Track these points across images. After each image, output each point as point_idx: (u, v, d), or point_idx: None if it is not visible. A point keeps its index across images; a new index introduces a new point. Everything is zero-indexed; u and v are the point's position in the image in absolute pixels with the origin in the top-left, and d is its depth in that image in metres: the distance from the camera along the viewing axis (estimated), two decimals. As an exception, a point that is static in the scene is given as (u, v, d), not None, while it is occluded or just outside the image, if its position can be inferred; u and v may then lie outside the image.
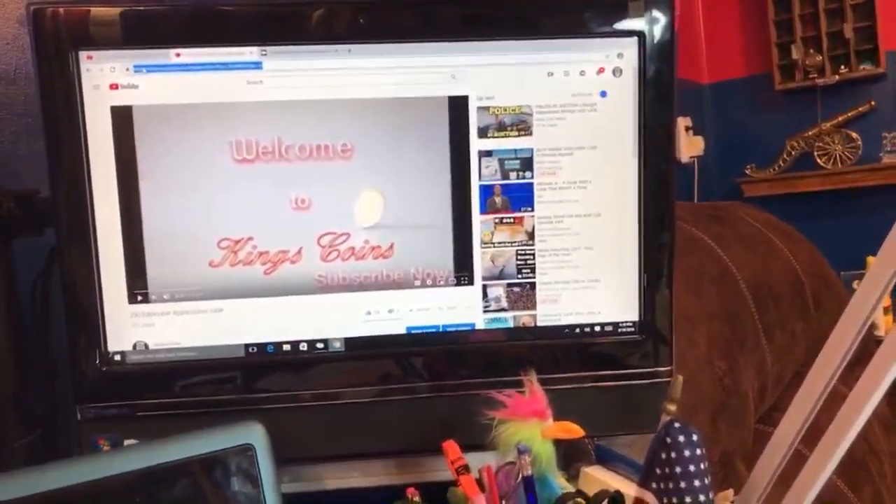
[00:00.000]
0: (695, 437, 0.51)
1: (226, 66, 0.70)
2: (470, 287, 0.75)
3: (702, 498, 0.50)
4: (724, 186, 3.13)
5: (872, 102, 2.81)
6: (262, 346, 0.73)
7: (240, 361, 0.73)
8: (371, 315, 0.74)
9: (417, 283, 0.74)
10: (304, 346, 0.74)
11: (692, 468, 0.50)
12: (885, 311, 2.17)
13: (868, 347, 0.52)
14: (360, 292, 0.74)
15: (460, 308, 0.75)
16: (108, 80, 0.69)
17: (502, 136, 0.74)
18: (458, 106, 0.73)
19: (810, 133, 2.92)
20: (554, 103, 0.74)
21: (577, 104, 0.74)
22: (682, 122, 2.97)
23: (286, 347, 0.74)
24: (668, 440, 0.51)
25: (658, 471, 0.52)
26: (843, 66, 2.82)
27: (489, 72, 0.73)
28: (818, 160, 2.91)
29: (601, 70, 0.74)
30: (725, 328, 1.14)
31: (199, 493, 0.62)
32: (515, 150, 0.74)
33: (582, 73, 0.74)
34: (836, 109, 2.87)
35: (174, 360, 0.72)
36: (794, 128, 2.97)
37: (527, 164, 0.74)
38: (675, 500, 0.51)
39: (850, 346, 0.52)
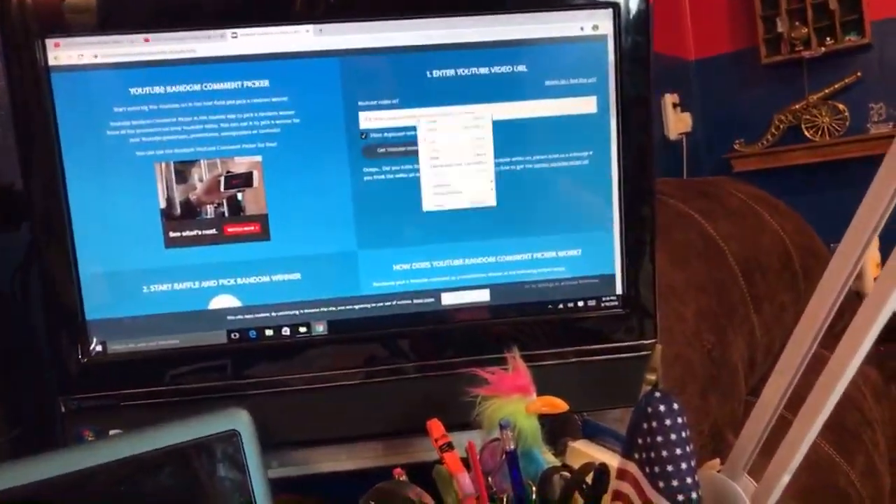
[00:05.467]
0: (675, 406, 0.51)
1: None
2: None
3: (684, 466, 0.50)
4: (713, 162, 3.13)
5: (858, 73, 2.81)
6: (244, 332, 0.73)
7: (222, 348, 0.73)
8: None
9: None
10: (286, 331, 0.73)
11: (674, 437, 0.50)
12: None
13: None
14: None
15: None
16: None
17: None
18: (433, 83, 0.73)
19: (797, 106, 2.92)
20: (530, 77, 0.73)
21: (553, 77, 0.74)
22: (670, 99, 2.96)
23: (269, 332, 0.73)
24: (650, 410, 0.51)
25: (640, 441, 0.52)
26: (828, 38, 2.81)
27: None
28: (806, 133, 2.91)
29: (577, 42, 0.74)
30: (713, 302, 1.14)
31: (185, 480, 0.62)
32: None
33: (557, 46, 0.73)
34: (822, 82, 2.87)
35: (156, 349, 0.72)
36: (781, 101, 2.96)
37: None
38: (657, 469, 0.50)
39: (829, 310, 0.52)
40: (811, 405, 0.53)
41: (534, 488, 0.61)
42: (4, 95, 0.68)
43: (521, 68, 0.73)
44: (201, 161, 0.71)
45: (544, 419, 0.65)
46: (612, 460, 0.59)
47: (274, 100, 0.70)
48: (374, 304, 0.74)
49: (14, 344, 0.86)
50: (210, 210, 0.71)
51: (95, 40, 0.68)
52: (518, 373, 0.66)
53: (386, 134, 0.72)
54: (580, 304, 0.77)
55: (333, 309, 0.74)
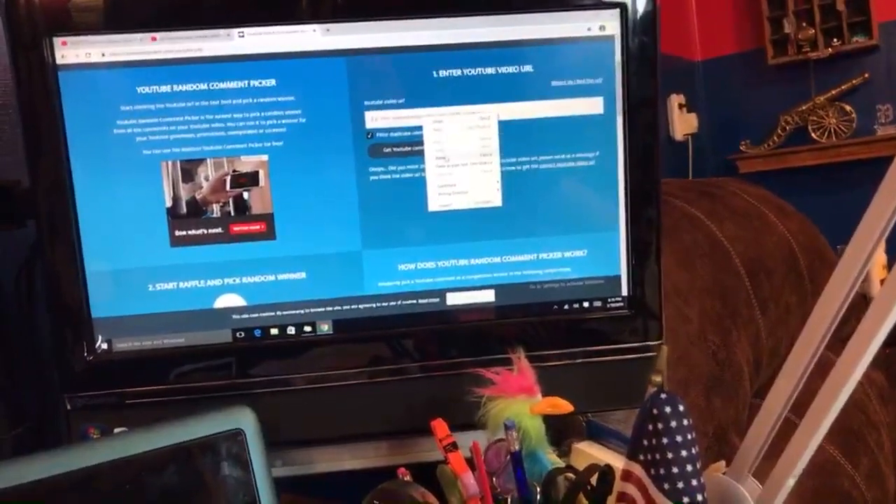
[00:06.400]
0: (681, 408, 0.50)
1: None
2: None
3: (689, 468, 0.50)
4: (719, 163, 3.12)
5: (866, 75, 2.79)
6: (249, 331, 0.73)
7: (227, 347, 0.73)
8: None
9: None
10: (291, 330, 0.73)
11: (679, 438, 0.50)
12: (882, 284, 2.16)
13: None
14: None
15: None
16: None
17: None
18: (441, 82, 0.73)
19: (804, 107, 2.90)
20: (537, 78, 0.73)
21: (560, 78, 0.74)
22: (676, 100, 2.96)
23: (274, 331, 0.73)
24: (655, 412, 0.51)
25: (645, 443, 0.52)
26: (835, 39, 2.80)
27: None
28: (812, 134, 2.90)
29: (583, 43, 0.73)
30: (718, 303, 1.14)
31: (190, 478, 0.62)
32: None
33: (564, 46, 0.73)
34: (829, 83, 2.86)
35: (161, 347, 0.72)
36: (787, 102, 2.95)
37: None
38: (662, 471, 0.50)
39: (836, 313, 0.52)
40: (817, 408, 0.53)
41: (538, 489, 0.61)
42: (12, 94, 0.68)
43: (528, 68, 0.73)
44: (207, 160, 0.71)
45: (549, 420, 0.65)
46: (617, 462, 0.59)
47: (280, 99, 0.70)
48: (378, 304, 0.74)
49: (19, 341, 0.86)
50: (216, 209, 0.71)
51: (103, 39, 0.68)
52: (523, 373, 0.66)
53: (392, 133, 0.72)
54: (585, 304, 0.77)
55: (338, 308, 0.74)
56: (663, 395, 0.51)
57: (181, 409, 0.64)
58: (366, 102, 0.72)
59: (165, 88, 0.69)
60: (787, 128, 2.96)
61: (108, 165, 0.70)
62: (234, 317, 0.73)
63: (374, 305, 0.74)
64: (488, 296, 0.76)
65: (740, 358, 1.12)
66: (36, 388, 0.87)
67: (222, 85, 0.70)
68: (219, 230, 0.72)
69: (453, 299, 0.75)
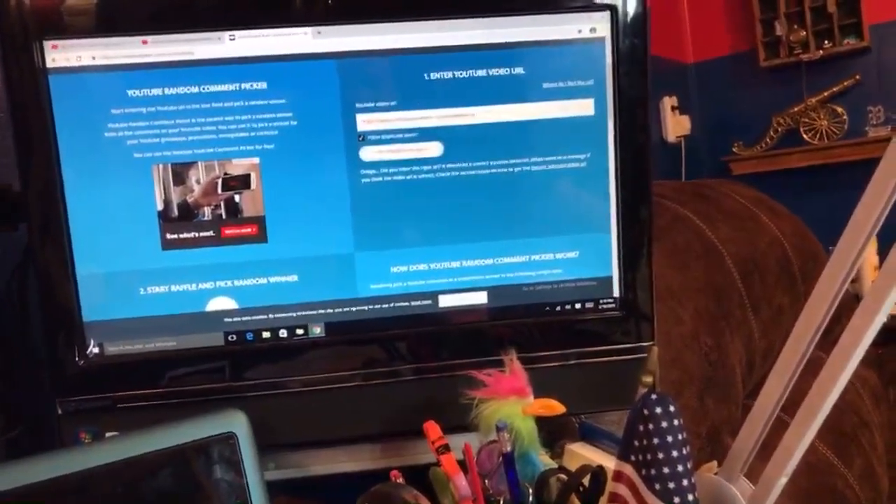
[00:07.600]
0: (672, 409, 0.51)
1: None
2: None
3: (680, 468, 0.50)
4: (712, 165, 3.13)
5: (857, 76, 2.81)
6: (241, 334, 0.73)
7: (220, 350, 0.73)
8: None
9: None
10: (283, 333, 0.73)
11: (670, 439, 0.50)
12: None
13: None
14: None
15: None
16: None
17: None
18: (432, 84, 0.73)
19: (796, 109, 2.92)
20: (528, 80, 0.73)
21: (551, 80, 0.74)
22: (668, 102, 2.97)
23: (266, 335, 0.73)
24: (646, 412, 0.51)
25: (636, 443, 0.52)
26: (826, 41, 2.81)
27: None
28: (804, 136, 2.91)
29: (574, 45, 0.74)
30: (711, 304, 1.14)
31: (182, 482, 0.61)
32: (490, 129, 0.74)
33: (555, 48, 0.73)
34: (821, 85, 2.87)
35: (153, 351, 0.72)
36: (779, 104, 2.96)
37: (502, 142, 0.74)
38: (654, 471, 0.50)
39: (827, 312, 0.52)
40: (808, 407, 0.53)
41: (531, 491, 0.61)
42: (2, 97, 0.68)
43: (519, 71, 0.73)
44: (199, 163, 0.71)
45: (541, 421, 0.65)
46: (609, 462, 0.59)
47: (272, 102, 0.70)
48: (371, 306, 0.74)
49: (11, 345, 0.86)
50: (207, 212, 0.71)
51: (93, 42, 0.68)
52: (515, 375, 0.66)
53: (384, 136, 0.72)
54: (577, 306, 0.77)
55: (331, 311, 0.74)
56: (654, 396, 0.51)
57: (173, 413, 0.64)
58: (357, 105, 0.72)
59: (156, 91, 0.69)
60: (780, 129, 2.97)
61: (99, 169, 0.69)
62: (226, 320, 0.73)
63: (366, 308, 0.74)
64: (480, 297, 0.76)
65: (733, 359, 1.12)
66: (29, 391, 0.87)
67: (213, 88, 0.70)
68: (210, 233, 0.71)
69: (446, 301, 0.75)
